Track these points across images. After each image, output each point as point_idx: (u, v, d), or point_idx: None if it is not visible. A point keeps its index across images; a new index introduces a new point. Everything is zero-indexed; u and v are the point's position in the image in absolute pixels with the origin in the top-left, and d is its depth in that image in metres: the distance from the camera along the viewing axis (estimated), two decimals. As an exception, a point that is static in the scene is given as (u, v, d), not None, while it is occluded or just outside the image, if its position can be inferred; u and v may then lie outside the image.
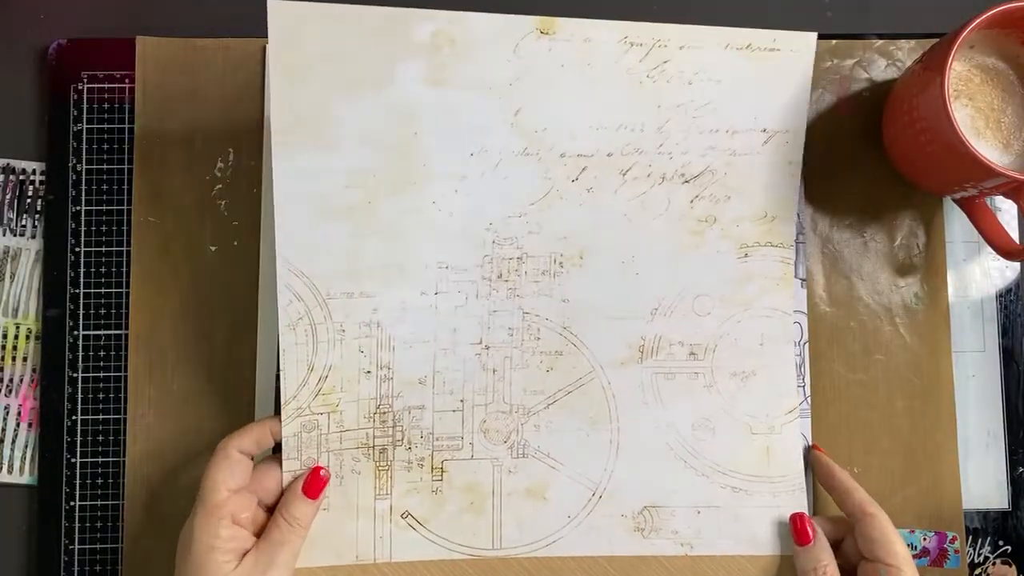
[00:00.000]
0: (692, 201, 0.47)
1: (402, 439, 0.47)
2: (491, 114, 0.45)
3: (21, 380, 0.50)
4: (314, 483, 0.45)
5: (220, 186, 0.50)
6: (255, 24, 0.51)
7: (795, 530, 0.46)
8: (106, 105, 0.50)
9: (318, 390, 0.46)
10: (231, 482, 0.43)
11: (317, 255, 0.45)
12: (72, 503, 0.49)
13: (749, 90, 0.47)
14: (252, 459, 0.45)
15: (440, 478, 0.47)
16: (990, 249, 0.48)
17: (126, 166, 0.50)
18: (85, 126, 0.50)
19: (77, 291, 0.50)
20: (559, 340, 0.48)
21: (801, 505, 0.48)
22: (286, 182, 0.44)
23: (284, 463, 0.45)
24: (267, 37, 0.46)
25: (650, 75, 0.46)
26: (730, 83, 0.47)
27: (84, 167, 0.50)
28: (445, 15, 0.44)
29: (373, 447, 0.47)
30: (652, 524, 0.47)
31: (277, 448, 0.47)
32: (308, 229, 0.44)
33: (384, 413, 0.47)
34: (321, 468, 0.45)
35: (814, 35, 0.47)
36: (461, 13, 0.44)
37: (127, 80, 0.50)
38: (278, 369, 0.46)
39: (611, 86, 0.46)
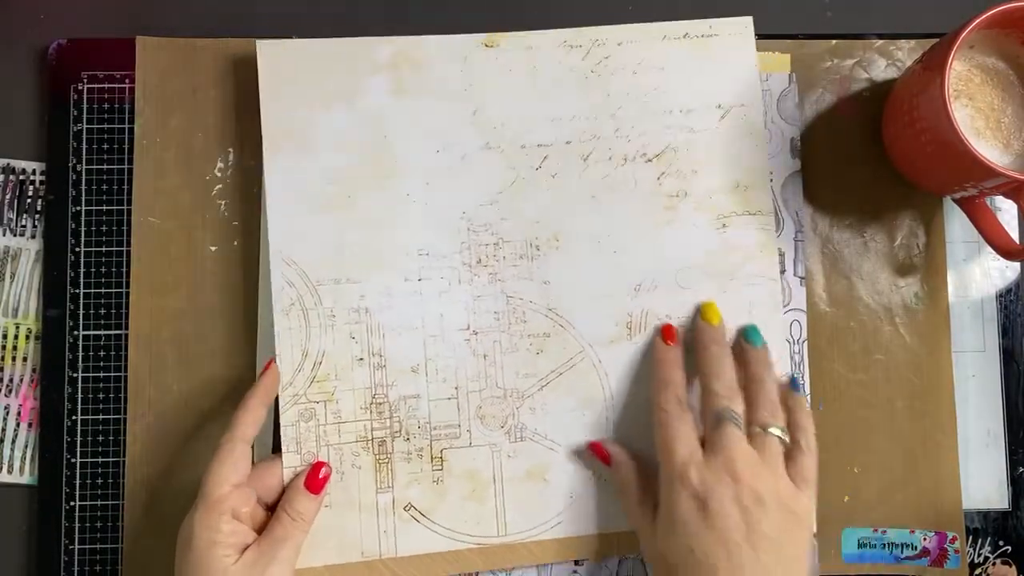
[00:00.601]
0: (659, 178, 0.49)
1: (400, 430, 0.47)
2: (451, 116, 0.49)
3: (21, 380, 0.50)
4: (316, 478, 0.45)
5: (220, 186, 0.50)
6: (255, 24, 0.51)
7: (598, 456, 0.47)
8: (106, 105, 0.50)
9: (313, 376, 0.47)
10: (234, 477, 0.43)
11: (305, 244, 0.48)
12: (72, 503, 0.49)
13: (694, 71, 0.50)
14: (252, 449, 0.45)
15: (440, 467, 0.47)
16: (990, 249, 0.48)
17: (126, 166, 0.50)
18: (85, 126, 0.50)
19: (77, 291, 0.50)
20: (546, 322, 0.48)
21: None
22: (276, 180, 0.48)
23: (284, 457, 0.46)
24: (267, 37, 0.49)
25: (594, 70, 0.49)
26: (673, 68, 0.50)
27: (84, 167, 0.50)
28: (402, 40, 0.49)
29: (372, 440, 0.47)
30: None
31: (277, 447, 0.47)
32: (296, 221, 0.48)
33: (380, 403, 0.47)
34: (323, 463, 0.46)
35: (750, 19, 0.50)
36: (415, 37, 0.49)
37: (127, 80, 0.50)
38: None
39: (558, 83, 0.49)
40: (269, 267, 0.48)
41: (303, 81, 0.48)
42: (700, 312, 0.48)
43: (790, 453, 0.44)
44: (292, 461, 0.46)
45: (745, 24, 0.50)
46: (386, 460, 0.47)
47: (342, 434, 0.47)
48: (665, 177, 0.49)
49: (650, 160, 0.49)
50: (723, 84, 0.49)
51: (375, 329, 0.48)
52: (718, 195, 0.49)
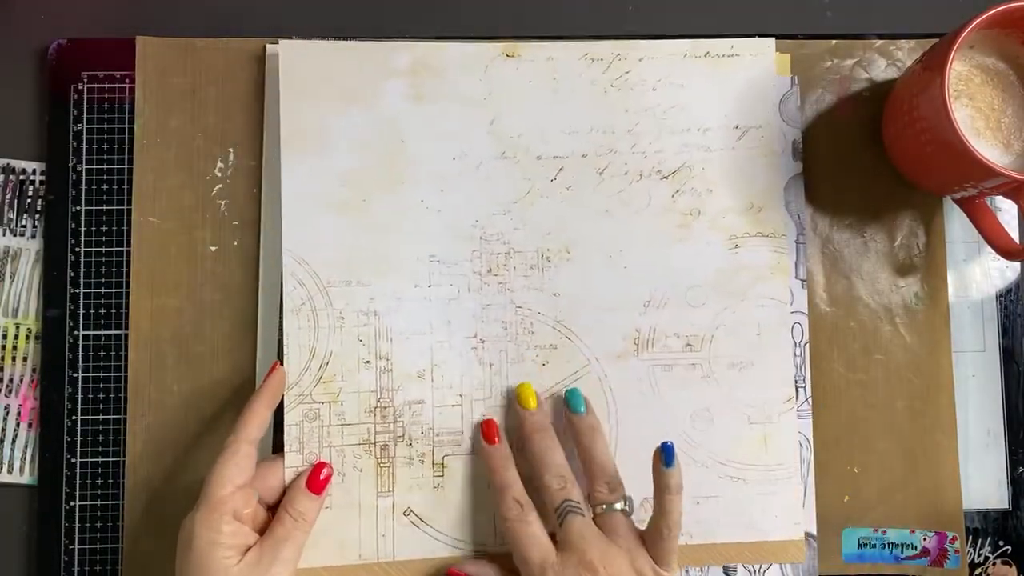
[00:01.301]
0: (673, 196, 0.49)
1: (403, 435, 0.47)
2: (469, 124, 0.49)
3: (21, 380, 0.50)
4: (318, 479, 0.45)
5: (220, 186, 0.50)
6: (255, 24, 0.51)
7: None
8: (106, 105, 0.50)
9: (319, 377, 0.47)
10: (238, 478, 0.43)
11: (318, 246, 0.48)
12: (72, 503, 0.49)
13: (714, 91, 0.50)
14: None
15: (441, 474, 0.47)
16: (990, 249, 0.48)
17: (126, 166, 0.50)
18: (85, 126, 0.50)
19: (77, 291, 0.50)
20: (553, 334, 0.48)
21: (797, 491, 0.48)
22: (291, 181, 0.48)
23: (286, 456, 0.46)
24: (267, 37, 0.50)
25: (614, 84, 0.50)
26: (694, 87, 0.50)
27: (84, 167, 0.50)
28: (422, 46, 0.49)
29: (374, 443, 0.47)
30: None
31: (278, 447, 0.47)
32: (310, 222, 0.48)
33: (385, 407, 0.47)
34: (325, 464, 0.46)
35: (771, 40, 0.50)
36: (435, 43, 0.49)
37: (127, 80, 0.50)
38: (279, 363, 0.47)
39: (578, 96, 0.49)
40: (273, 266, 0.48)
41: (321, 82, 0.48)
42: (516, 397, 0.47)
43: (651, 535, 0.44)
44: (294, 461, 0.46)
45: (767, 45, 0.50)
46: (388, 464, 0.47)
47: (345, 436, 0.47)
48: (679, 195, 0.49)
49: (665, 177, 0.49)
50: (741, 104, 0.50)
51: (383, 333, 0.48)
52: (732, 215, 0.49)
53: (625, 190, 0.49)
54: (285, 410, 0.47)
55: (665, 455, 0.43)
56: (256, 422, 0.44)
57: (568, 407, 0.47)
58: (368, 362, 0.48)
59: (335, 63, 0.48)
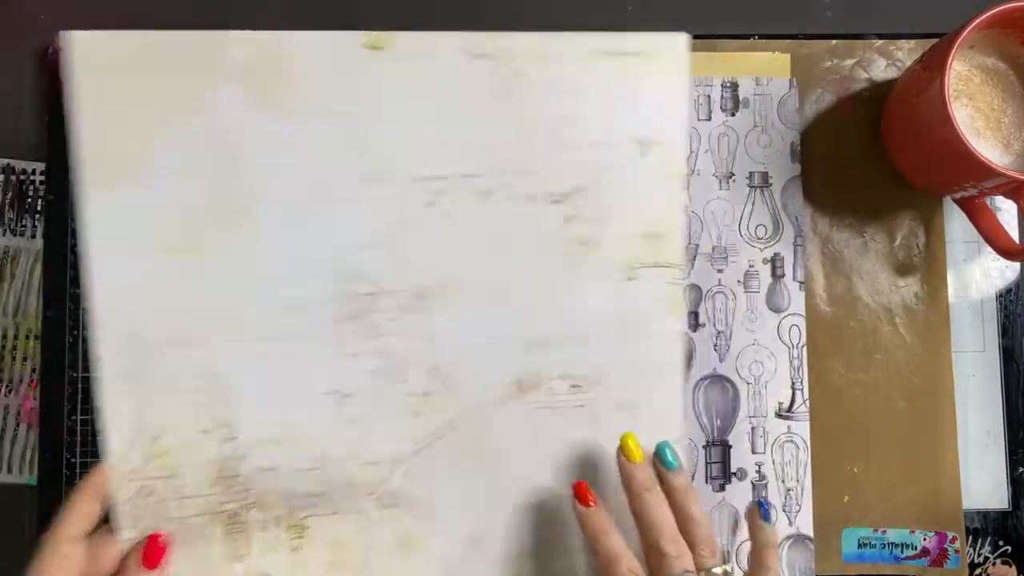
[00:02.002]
0: (565, 222, 0.43)
1: (254, 502, 0.42)
2: (326, 139, 0.41)
3: (21, 380, 0.50)
4: (153, 551, 0.40)
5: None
6: (255, 24, 0.51)
7: None
8: (106, 105, 0.50)
9: (151, 452, 0.41)
10: None
11: (138, 299, 0.41)
12: (72, 503, 0.48)
13: (619, 99, 0.43)
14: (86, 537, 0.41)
15: (301, 535, 0.43)
16: (990, 249, 0.48)
17: (126, 166, 0.50)
18: (85, 126, 0.50)
19: (77, 291, 0.50)
20: (427, 380, 0.43)
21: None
22: (99, 220, 0.40)
23: (120, 532, 0.41)
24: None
25: (501, 89, 0.42)
26: (597, 93, 0.43)
27: (84, 167, 0.50)
28: (263, 35, 0.41)
29: (222, 512, 0.42)
30: (535, 570, 0.44)
31: None
32: (126, 270, 0.41)
33: (230, 477, 0.42)
34: (160, 535, 0.41)
35: (685, 35, 0.43)
36: (280, 32, 0.41)
37: (127, 80, 0.50)
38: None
39: (460, 104, 0.42)
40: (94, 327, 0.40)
41: (133, 87, 0.40)
42: (621, 448, 0.42)
43: None
44: (129, 535, 0.41)
45: (677, 42, 0.43)
46: (240, 529, 0.42)
47: (186, 508, 0.42)
48: (572, 221, 0.43)
49: (557, 201, 0.43)
50: (648, 115, 0.43)
51: (224, 396, 0.41)
52: (628, 244, 0.43)
53: (511, 216, 0.43)
54: (114, 489, 0.41)
55: (763, 511, 0.43)
56: (76, 519, 0.40)
57: (660, 463, 0.42)
58: (207, 431, 0.41)
59: (148, 61, 0.40)
